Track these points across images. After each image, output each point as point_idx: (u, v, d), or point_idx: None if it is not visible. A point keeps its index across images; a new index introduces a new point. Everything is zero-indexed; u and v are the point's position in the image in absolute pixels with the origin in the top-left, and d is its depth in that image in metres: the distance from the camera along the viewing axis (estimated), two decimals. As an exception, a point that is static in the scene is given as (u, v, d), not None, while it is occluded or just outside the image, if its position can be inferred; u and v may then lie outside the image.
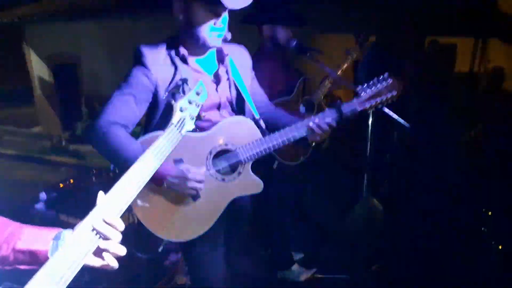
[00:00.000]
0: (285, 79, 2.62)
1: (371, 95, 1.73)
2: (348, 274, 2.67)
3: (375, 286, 2.64)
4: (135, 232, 2.03)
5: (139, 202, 1.60)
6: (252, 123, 1.74)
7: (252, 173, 1.72)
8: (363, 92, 1.73)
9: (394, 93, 1.73)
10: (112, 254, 0.96)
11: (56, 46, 8.55)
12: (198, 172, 1.56)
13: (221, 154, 1.68)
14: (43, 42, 8.82)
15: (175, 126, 1.21)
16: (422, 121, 3.74)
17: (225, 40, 1.66)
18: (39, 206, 3.02)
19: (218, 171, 1.67)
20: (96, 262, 0.96)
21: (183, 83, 1.38)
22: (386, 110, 2.31)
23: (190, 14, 1.56)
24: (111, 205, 0.96)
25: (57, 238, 0.97)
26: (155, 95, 1.61)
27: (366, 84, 1.74)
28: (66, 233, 0.98)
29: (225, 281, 1.89)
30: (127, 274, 2.44)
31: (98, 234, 0.92)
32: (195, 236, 1.66)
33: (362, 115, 1.91)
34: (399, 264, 2.77)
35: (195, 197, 1.62)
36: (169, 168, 1.53)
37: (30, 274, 0.86)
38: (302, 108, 2.66)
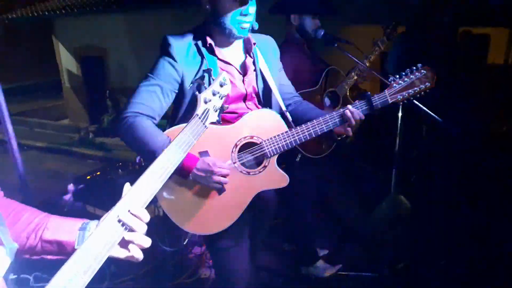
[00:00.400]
0: (311, 70, 2.56)
1: (404, 86, 1.66)
2: (373, 272, 2.60)
3: (401, 285, 2.57)
4: (160, 224, 2.03)
5: (165, 194, 1.60)
6: (278, 115, 1.69)
7: (277, 167, 1.67)
8: (394, 83, 1.65)
9: (428, 84, 1.65)
10: (137, 245, 0.96)
11: (83, 39, 8.74)
12: (223, 166, 1.53)
13: (246, 147, 1.65)
14: (71, 35, 9.03)
15: (199, 118, 1.19)
16: (453, 115, 3.61)
17: (252, 30, 1.63)
18: (67, 197, 3.08)
19: (243, 164, 1.64)
20: (122, 254, 0.97)
21: (208, 74, 1.36)
22: (417, 103, 2.24)
23: (217, 3, 1.54)
24: (137, 197, 0.97)
25: (83, 228, 0.99)
26: (181, 86, 1.60)
27: (398, 75, 1.67)
28: (92, 224, 1.00)
29: (249, 275, 1.87)
30: (151, 266, 2.46)
31: (124, 225, 0.93)
32: (220, 229, 1.64)
33: (392, 108, 1.82)
34: (426, 263, 2.68)
35: (220, 190, 1.60)
36: (194, 161, 1.51)
37: (56, 265, 0.87)
38: (326, 100, 2.60)
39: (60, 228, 0.99)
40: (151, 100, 1.55)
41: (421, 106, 2.21)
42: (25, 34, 12.49)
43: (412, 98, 1.70)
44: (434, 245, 2.85)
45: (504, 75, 4.51)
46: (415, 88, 1.65)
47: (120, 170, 2.87)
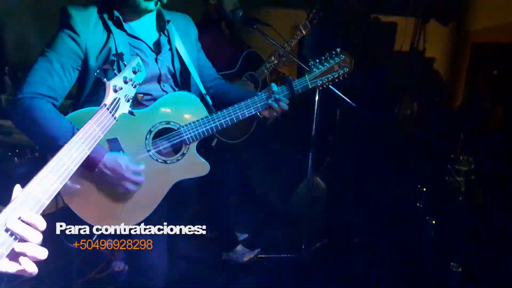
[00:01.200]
0: (229, 51, 2.51)
1: (324, 71, 1.67)
2: (292, 254, 2.67)
3: (319, 264, 2.68)
4: (63, 217, 1.83)
5: (70, 190, 1.42)
6: (197, 99, 1.60)
7: (197, 154, 1.59)
8: (314, 68, 1.67)
9: (346, 69, 1.69)
10: (31, 257, 0.81)
11: None
12: (137, 170, 1.41)
13: (162, 133, 1.54)
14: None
15: (107, 108, 1.05)
16: (364, 99, 3.81)
17: (162, 5, 1.51)
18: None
19: (159, 152, 1.53)
20: (11, 268, 0.81)
21: (118, 59, 1.21)
22: (332, 88, 2.30)
23: None
24: (30, 200, 0.81)
25: None
26: (84, 62, 1.44)
27: (318, 60, 1.68)
28: None
29: (167, 266, 1.78)
30: (56, 264, 2.25)
31: (13, 235, 0.78)
32: (134, 223, 1.51)
33: (309, 92, 1.84)
34: (342, 242, 2.83)
35: (127, 190, 1.47)
36: (102, 154, 1.36)
37: None
38: (246, 81, 2.56)
39: None
40: (50, 79, 1.38)
41: (336, 91, 2.28)
42: None
43: (331, 83, 1.73)
44: (349, 225, 3.01)
45: (409, 61, 4.86)
46: (334, 73, 1.68)
47: (16, 158, 2.54)
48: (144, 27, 1.56)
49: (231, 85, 1.85)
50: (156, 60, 1.57)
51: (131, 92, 1.14)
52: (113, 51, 1.43)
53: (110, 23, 1.46)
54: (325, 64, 1.68)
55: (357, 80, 4.05)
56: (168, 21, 1.59)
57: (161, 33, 1.60)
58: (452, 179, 3.32)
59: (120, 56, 1.22)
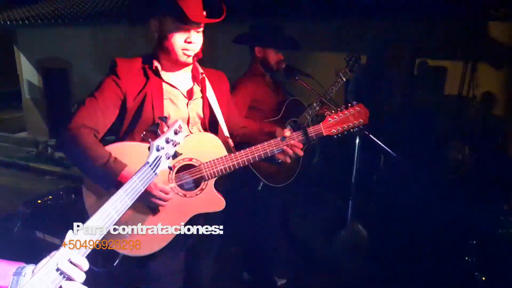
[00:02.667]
0: (273, 100, 2.60)
1: (338, 121, 1.78)
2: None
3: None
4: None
5: (92, 212, 1.52)
6: (218, 140, 1.71)
7: (215, 190, 1.68)
8: (330, 118, 1.78)
9: (361, 121, 1.78)
10: None
11: (47, 51, 8.49)
12: (165, 189, 1.53)
13: (184, 169, 1.65)
14: (34, 46, 8.76)
15: (150, 165, 1.18)
16: (409, 145, 3.74)
17: (197, 57, 1.70)
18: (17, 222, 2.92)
19: (180, 186, 1.64)
20: None
21: (162, 121, 1.35)
22: (372, 137, 2.31)
23: (163, 31, 1.63)
24: (78, 245, 0.95)
25: (17, 273, 0.93)
26: (123, 103, 1.64)
27: (333, 111, 1.79)
28: (28, 268, 0.95)
29: None
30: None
31: (62, 274, 0.90)
32: (151, 251, 1.62)
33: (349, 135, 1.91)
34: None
35: (155, 211, 1.59)
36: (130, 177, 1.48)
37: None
38: (288, 130, 2.62)
39: None
40: (94, 114, 1.59)
41: (375, 139, 2.29)
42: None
43: (345, 132, 1.81)
44: (391, 277, 2.90)
45: (459, 106, 4.73)
46: (349, 124, 1.77)
47: (73, 195, 2.76)
48: (181, 76, 1.76)
49: (253, 130, 2.00)
50: (187, 104, 1.73)
51: (171, 150, 1.26)
52: (149, 95, 1.63)
53: (149, 72, 1.68)
54: (340, 115, 1.77)
55: (401, 126, 4.02)
56: (202, 73, 1.78)
57: (195, 83, 1.78)
58: (505, 232, 3.12)
59: (164, 119, 1.35)
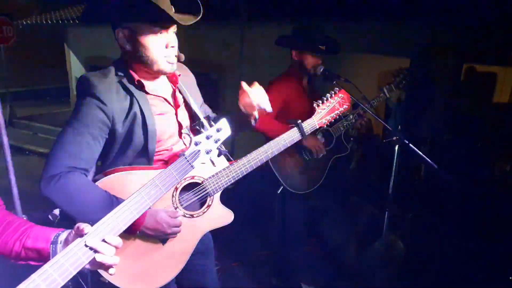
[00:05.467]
0: (307, 106, 2.54)
1: (327, 111, 1.80)
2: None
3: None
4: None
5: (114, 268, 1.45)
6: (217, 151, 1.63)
7: (221, 204, 1.61)
8: (319, 109, 1.80)
9: (346, 106, 1.83)
10: (107, 264, 1.05)
11: (94, 49, 8.85)
12: (177, 223, 1.46)
13: (187, 188, 1.57)
14: (82, 44, 9.16)
15: (186, 158, 1.23)
16: (452, 154, 3.56)
17: (178, 61, 1.52)
18: (57, 212, 3.05)
19: (185, 207, 1.55)
20: (94, 267, 1.09)
21: (207, 121, 1.36)
22: (412, 147, 2.21)
23: (138, 40, 1.40)
24: (110, 225, 1.04)
25: (54, 242, 1.08)
26: (112, 129, 1.43)
27: (321, 101, 1.80)
28: (63, 235, 1.09)
29: None
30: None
31: (91, 249, 1.00)
32: (167, 281, 1.54)
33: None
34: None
35: (164, 240, 1.51)
36: (144, 215, 1.40)
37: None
38: (320, 138, 2.57)
39: (39, 237, 1.09)
40: (81, 151, 1.37)
41: (416, 149, 2.18)
42: (38, 40, 12.69)
43: (333, 121, 1.85)
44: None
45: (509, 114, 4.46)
46: (336, 111, 1.81)
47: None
48: (160, 82, 1.57)
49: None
50: (176, 114, 1.58)
51: (213, 146, 1.29)
52: (139, 115, 1.43)
53: (131, 87, 1.46)
54: (328, 104, 1.79)
55: (445, 135, 3.84)
56: (180, 75, 1.60)
57: (173, 86, 1.60)
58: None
59: (209, 118, 1.35)
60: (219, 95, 6.37)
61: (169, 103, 1.57)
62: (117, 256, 1.05)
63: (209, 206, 1.59)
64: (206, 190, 1.57)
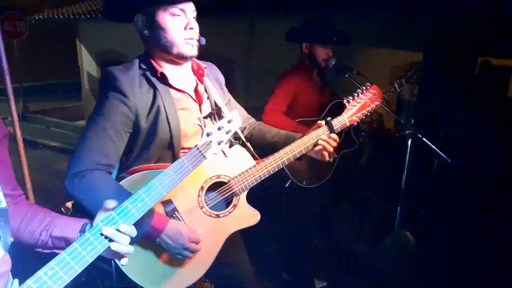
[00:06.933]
0: (318, 98, 2.53)
1: (358, 107, 1.71)
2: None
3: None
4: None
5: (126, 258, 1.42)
6: (245, 150, 1.57)
7: (248, 204, 1.56)
8: (349, 106, 1.70)
9: (377, 103, 1.73)
10: (121, 253, 1.07)
11: (105, 44, 8.90)
12: (195, 237, 1.42)
13: (213, 187, 1.53)
14: (93, 39, 9.21)
15: (198, 148, 1.23)
16: (468, 150, 3.50)
17: (200, 46, 1.48)
18: (70, 205, 3.08)
19: (211, 207, 1.52)
20: (108, 256, 1.10)
21: (218, 113, 1.36)
22: (425, 141, 2.18)
23: (158, 23, 1.39)
24: (126, 214, 1.05)
25: (82, 230, 1.12)
26: (135, 123, 1.41)
27: (351, 98, 1.71)
28: (88, 225, 1.12)
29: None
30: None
31: (107, 238, 1.01)
32: (193, 281, 1.50)
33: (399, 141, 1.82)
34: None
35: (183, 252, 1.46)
36: (165, 223, 1.37)
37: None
38: None
39: (66, 226, 1.13)
40: (106, 147, 1.35)
41: (429, 143, 2.15)
42: (50, 35, 12.82)
43: (364, 118, 1.76)
44: (440, 283, 2.74)
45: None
46: (368, 108, 1.72)
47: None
48: (184, 75, 1.53)
49: (262, 123, 1.83)
50: (200, 110, 1.54)
51: (224, 137, 1.29)
52: (162, 109, 1.41)
53: (154, 80, 1.44)
54: (359, 101, 1.70)
55: (460, 128, 3.77)
56: (206, 68, 1.57)
57: (199, 81, 1.57)
58: None
59: (219, 109, 1.33)
60: (228, 88, 6.36)
61: (193, 99, 1.54)
62: (132, 246, 1.06)
63: (235, 206, 1.55)
64: (232, 189, 1.53)
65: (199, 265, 1.51)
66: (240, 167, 1.54)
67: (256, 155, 1.60)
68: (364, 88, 1.73)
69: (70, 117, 10.07)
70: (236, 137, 1.64)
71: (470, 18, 4.05)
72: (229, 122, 1.29)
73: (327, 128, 1.63)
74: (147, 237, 1.36)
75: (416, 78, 2.57)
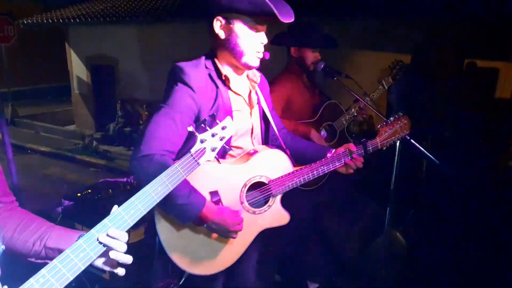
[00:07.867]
0: (309, 101, 2.55)
1: (390, 133, 1.82)
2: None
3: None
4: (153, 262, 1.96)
5: (169, 239, 1.59)
6: (286, 156, 1.69)
7: (281, 206, 1.70)
8: (383, 131, 1.81)
9: (407, 131, 1.84)
10: (120, 261, 1.07)
11: (95, 48, 8.86)
12: (239, 220, 1.54)
13: (254, 185, 1.66)
14: (83, 43, 9.15)
15: (192, 155, 1.23)
16: (455, 150, 3.55)
17: (263, 58, 1.60)
18: (60, 210, 3.06)
19: (250, 204, 1.65)
20: (106, 267, 1.10)
21: (210, 118, 1.37)
22: (413, 142, 2.20)
23: (236, 31, 1.49)
24: (119, 220, 1.05)
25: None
26: (197, 116, 1.52)
27: (384, 123, 1.82)
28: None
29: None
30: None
31: (101, 243, 1.02)
32: (223, 268, 1.64)
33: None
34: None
35: (228, 237, 1.60)
36: (213, 212, 1.49)
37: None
38: (323, 133, 2.57)
39: (61, 238, 1.12)
40: (173, 135, 1.46)
41: (417, 145, 2.18)
42: (39, 39, 12.72)
43: (393, 143, 1.86)
44: (429, 284, 2.77)
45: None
46: (398, 136, 1.83)
47: (110, 190, 2.85)
48: (242, 81, 1.66)
49: (294, 135, 1.95)
50: (250, 113, 1.68)
51: (218, 144, 1.30)
52: (221, 109, 1.53)
53: (217, 80, 1.55)
54: (391, 127, 1.81)
55: (448, 129, 3.83)
56: (260, 75, 1.70)
57: (251, 87, 1.69)
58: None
59: (213, 117, 1.36)
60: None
61: (246, 103, 1.67)
62: (130, 256, 1.07)
63: (269, 206, 1.68)
64: (270, 191, 1.65)
65: (231, 253, 1.65)
66: (280, 171, 1.67)
67: (293, 162, 1.71)
68: (396, 116, 1.84)
69: (60, 122, 9.99)
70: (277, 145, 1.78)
71: (457, 21, 4.13)
72: (223, 128, 1.31)
73: (361, 149, 1.75)
74: (197, 223, 1.49)
75: (402, 74, 2.62)
